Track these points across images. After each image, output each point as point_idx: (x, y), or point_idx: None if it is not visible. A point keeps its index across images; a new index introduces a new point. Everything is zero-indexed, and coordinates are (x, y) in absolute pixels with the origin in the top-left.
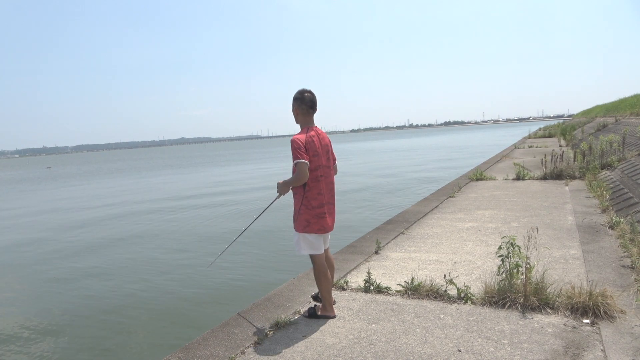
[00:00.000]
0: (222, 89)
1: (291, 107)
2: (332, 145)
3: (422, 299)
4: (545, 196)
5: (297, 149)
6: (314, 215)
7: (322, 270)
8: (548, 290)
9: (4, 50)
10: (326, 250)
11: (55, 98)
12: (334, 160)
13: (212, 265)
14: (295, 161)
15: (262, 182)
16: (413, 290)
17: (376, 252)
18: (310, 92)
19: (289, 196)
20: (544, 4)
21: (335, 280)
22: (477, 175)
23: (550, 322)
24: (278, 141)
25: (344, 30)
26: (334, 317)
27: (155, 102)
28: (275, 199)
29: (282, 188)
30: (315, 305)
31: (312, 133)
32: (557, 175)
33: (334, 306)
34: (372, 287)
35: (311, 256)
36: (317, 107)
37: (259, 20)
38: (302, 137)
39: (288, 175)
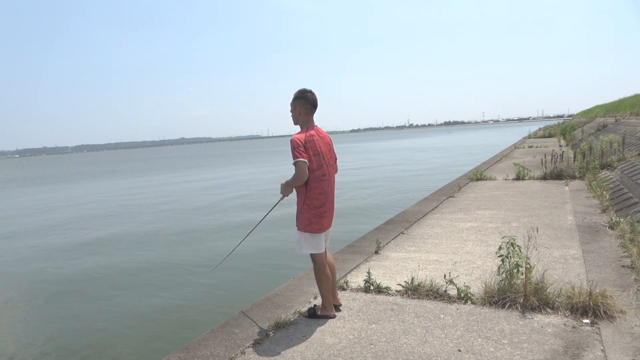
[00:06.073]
0: (222, 89)
1: (290, 108)
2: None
3: (422, 299)
4: (545, 196)
5: (296, 148)
6: (315, 215)
7: (322, 269)
8: (548, 290)
9: (4, 50)
10: (326, 250)
11: (55, 98)
12: (335, 159)
13: (213, 265)
14: (294, 160)
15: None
16: (413, 290)
17: (376, 252)
18: (311, 91)
19: (293, 195)
20: (544, 4)
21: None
22: (477, 175)
23: (550, 322)
24: (278, 141)
25: (343, 31)
26: (334, 317)
27: (155, 102)
28: (279, 201)
29: (285, 189)
30: (315, 305)
31: (313, 132)
32: (557, 175)
33: (334, 306)
34: (372, 287)
35: (312, 255)
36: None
37: (258, 20)
38: (302, 136)
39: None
